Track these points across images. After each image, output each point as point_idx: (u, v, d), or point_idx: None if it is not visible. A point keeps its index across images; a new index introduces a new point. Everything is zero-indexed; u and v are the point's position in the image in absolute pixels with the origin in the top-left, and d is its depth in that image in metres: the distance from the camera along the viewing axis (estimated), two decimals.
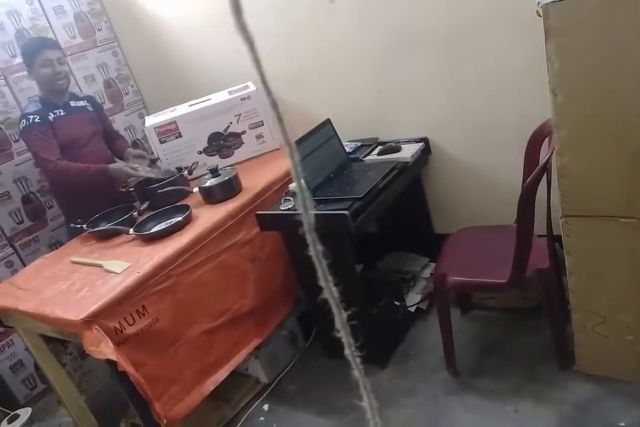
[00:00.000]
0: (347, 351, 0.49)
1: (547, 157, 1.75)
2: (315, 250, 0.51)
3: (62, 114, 2.58)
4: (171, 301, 2.06)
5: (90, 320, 1.79)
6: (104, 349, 1.79)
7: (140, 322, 1.94)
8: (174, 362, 2.07)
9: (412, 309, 2.60)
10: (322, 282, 0.51)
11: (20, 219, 2.82)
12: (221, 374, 2.25)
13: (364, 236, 2.90)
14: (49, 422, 2.55)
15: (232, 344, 2.30)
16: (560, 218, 1.80)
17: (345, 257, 2.24)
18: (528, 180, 1.73)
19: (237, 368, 2.47)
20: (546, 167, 1.78)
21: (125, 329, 1.89)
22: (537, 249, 2.01)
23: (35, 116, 2.48)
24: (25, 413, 2.36)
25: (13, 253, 2.77)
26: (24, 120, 2.49)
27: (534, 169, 1.78)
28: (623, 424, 1.83)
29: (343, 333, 0.51)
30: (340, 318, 0.51)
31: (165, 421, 1.97)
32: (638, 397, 1.88)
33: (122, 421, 2.48)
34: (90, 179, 2.46)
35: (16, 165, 2.81)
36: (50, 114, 2.54)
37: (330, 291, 0.50)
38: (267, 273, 2.43)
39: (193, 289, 2.13)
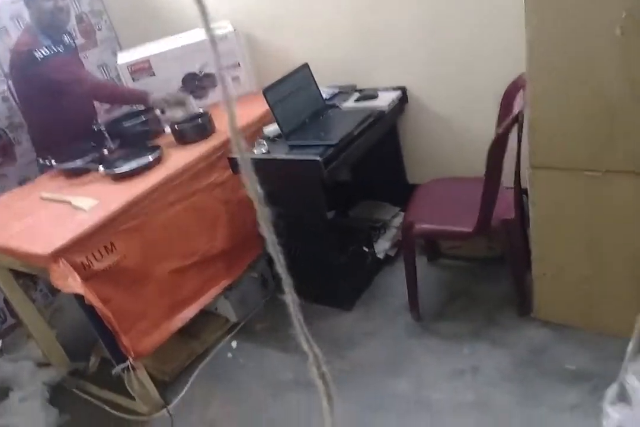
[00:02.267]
0: (287, 294, 0.51)
1: (518, 110, 1.75)
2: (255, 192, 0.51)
3: (50, 52, 2.46)
4: (140, 239, 2.07)
5: (58, 255, 1.80)
6: (72, 283, 1.81)
7: (109, 258, 1.96)
8: (142, 299, 2.11)
9: (381, 256, 2.65)
10: (264, 233, 0.51)
11: None
12: (190, 312, 2.30)
13: (338, 184, 2.92)
14: (18, 355, 2.59)
15: (201, 284, 2.34)
16: (527, 169, 1.82)
17: (316, 203, 2.26)
18: (498, 132, 1.74)
19: (207, 307, 2.53)
20: (517, 119, 1.79)
21: (93, 265, 1.91)
22: (504, 201, 2.04)
23: (56, 49, 2.39)
24: None
25: None
26: (41, 51, 2.36)
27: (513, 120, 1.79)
28: (571, 367, 1.93)
29: (283, 275, 0.52)
30: (278, 262, 0.53)
31: (133, 354, 2.02)
32: (588, 343, 1.97)
33: (92, 355, 2.53)
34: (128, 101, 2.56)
35: None
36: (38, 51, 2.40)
37: (271, 240, 0.51)
38: (239, 216, 2.44)
39: (163, 228, 2.14)
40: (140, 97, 2.43)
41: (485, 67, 2.30)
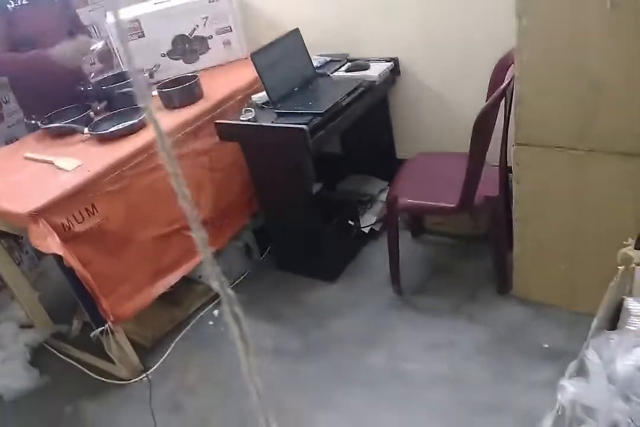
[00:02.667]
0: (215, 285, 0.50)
1: (506, 83, 1.73)
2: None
3: (24, 2, 2.38)
4: (123, 202, 2.05)
5: (37, 214, 1.79)
6: (50, 243, 1.81)
7: (90, 220, 1.94)
8: (123, 263, 2.10)
9: (366, 230, 2.64)
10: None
11: None
12: (172, 278, 2.30)
13: (327, 156, 2.90)
14: (1, 316, 2.60)
15: (184, 251, 2.32)
16: (512, 146, 1.80)
17: (302, 173, 2.24)
18: (485, 105, 1.72)
19: (191, 275, 2.53)
20: (505, 94, 1.76)
21: (73, 226, 1.90)
22: (489, 178, 2.03)
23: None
24: None
25: None
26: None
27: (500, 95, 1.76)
28: (547, 345, 1.95)
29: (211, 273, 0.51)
30: (205, 255, 0.51)
31: (112, 318, 2.02)
32: (564, 322, 1.98)
33: (74, 318, 2.54)
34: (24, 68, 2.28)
35: None
36: (10, 1, 2.35)
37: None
38: (225, 184, 2.42)
39: (146, 193, 2.12)
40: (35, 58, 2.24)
41: (479, 41, 2.25)
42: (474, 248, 2.46)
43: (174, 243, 2.27)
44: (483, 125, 1.73)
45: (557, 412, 0.82)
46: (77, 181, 1.90)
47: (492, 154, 1.99)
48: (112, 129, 2.17)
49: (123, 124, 2.19)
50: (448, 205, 1.99)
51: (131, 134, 2.15)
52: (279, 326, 2.34)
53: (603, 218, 1.75)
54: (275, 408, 1.71)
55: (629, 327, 1.00)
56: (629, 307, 1.04)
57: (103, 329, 2.05)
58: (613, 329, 1.03)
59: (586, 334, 1.83)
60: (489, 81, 2.06)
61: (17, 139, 2.74)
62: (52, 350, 2.48)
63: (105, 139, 2.14)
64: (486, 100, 2.05)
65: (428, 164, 2.32)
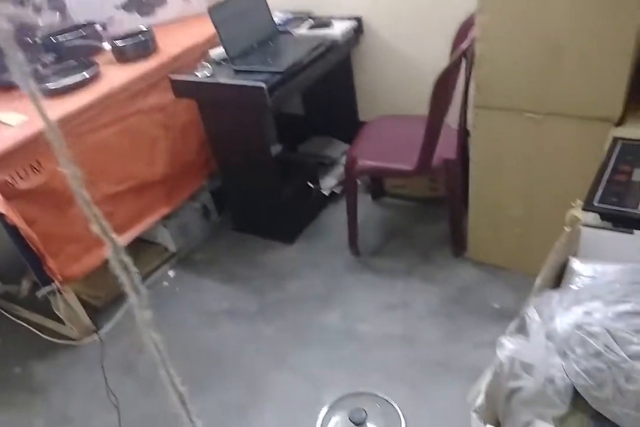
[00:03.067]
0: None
1: (466, 45, 1.69)
2: None
3: None
4: (72, 159, 1.97)
5: None
6: None
7: (35, 178, 1.86)
8: (71, 222, 2.03)
9: (327, 193, 2.62)
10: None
11: None
12: (125, 238, 2.24)
13: (288, 117, 2.84)
14: None
15: (137, 210, 2.28)
16: (471, 109, 1.78)
17: (260, 133, 2.18)
18: (445, 66, 1.68)
19: (146, 237, 2.49)
20: (465, 55, 1.73)
21: (17, 184, 1.82)
22: (448, 141, 2.01)
23: None
24: None
25: None
26: None
27: (460, 56, 1.73)
28: (497, 306, 1.98)
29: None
30: (113, 246, 0.48)
31: (60, 277, 1.97)
32: (515, 284, 2.02)
33: (23, 278, 2.47)
34: None
35: None
36: None
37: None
38: (181, 143, 2.35)
39: (96, 150, 2.05)
40: None
41: (444, 2, 2.20)
42: (432, 211, 2.48)
43: (126, 202, 2.22)
44: (442, 87, 1.70)
45: (496, 369, 0.82)
46: (21, 137, 1.80)
47: (453, 117, 1.97)
48: (61, 83, 2.07)
49: (72, 77, 2.09)
50: (406, 167, 1.97)
51: (80, 88, 2.05)
52: (236, 287, 2.32)
53: (557, 182, 1.76)
54: (231, 368, 1.71)
55: (571, 286, 1.01)
56: (573, 267, 1.04)
57: (51, 289, 2.00)
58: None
59: None
60: (453, 39, 2.02)
61: None
62: (0, 310, 2.42)
63: (53, 94, 2.04)
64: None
65: (388, 127, 2.29)
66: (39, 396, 2.01)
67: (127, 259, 0.44)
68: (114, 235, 0.44)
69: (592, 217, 1.12)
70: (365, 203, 2.58)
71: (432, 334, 1.94)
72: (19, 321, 2.34)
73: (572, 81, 1.57)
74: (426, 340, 1.92)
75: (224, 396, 1.88)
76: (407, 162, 1.96)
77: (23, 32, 2.34)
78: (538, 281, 0.97)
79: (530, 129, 1.71)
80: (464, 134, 2.03)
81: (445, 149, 1.98)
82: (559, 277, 1.06)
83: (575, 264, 1.05)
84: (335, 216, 2.58)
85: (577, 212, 1.13)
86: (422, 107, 2.25)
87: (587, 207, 1.12)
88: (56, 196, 1.95)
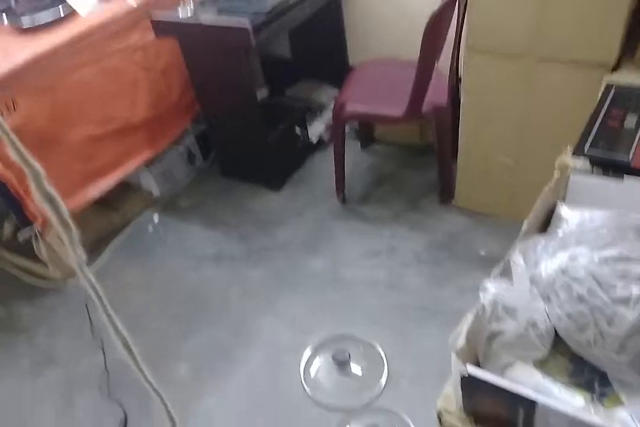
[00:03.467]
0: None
1: None
2: None
3: None
4: (49, 99, 1.90)
5: None
6: None
7: (11, 117, 1.80)
8: (52, 164, 1.97)
9: (314, 139, 2.58)
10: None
11: None
12: (108, 182, 2.21)
13: (276, 60, 2.76)
14: None
15: (120, 154, 2.23)
16: (464, 54, 1.73)
17: (244, 76, 2.11)
18: (436, 8, 1.61)
19: (130, 180, 2.45)
20: None
21: None
22: (439, 87, 1.96)
23: None
24: None
25: None
26: None
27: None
28: (483, 252, 1.99)
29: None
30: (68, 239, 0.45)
31: (40, 220, 1.95)
32: (502, 231, 2.02)
33: (5, 221, 2.44)
34: None
35: None
36: None
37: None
38: (163, 85, 2.27)
39: (76, 90, 1.97)
40: None
41: None
42: (421, 159, 2.45)
43: (108, 145, 2.16)
44: (433, 30, 1.64)
45: (478, 312, 0.82)
46: None
47: (446, 62, 1.91)
48: (36, 19, 1.97)
49: (47, 13, 1.98)
50: (395, 114, 1.93)
51: (57, 25, 1.95)
52: (222, 232, 2.31)
53: (549, 129, 1.73)
54: (218, 311, 1.71)
55: (558, 232, 1.00)
56: (561, 212, 1.03)
57: (32, 232, 1.97)
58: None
59: None
60: None
61: None
62: None
63: (28, 31, 1.94)
64: None
65: (379, 71, 2.23)
66: (23, 337, 2.02)
67: (51, 189, 0.42)
68: (34, 162, 0.42)
69: (582, 164, 1.10)
70: (353, 150, 2.54)
71: (417, 279, 1.96)
72: (2, 264, 2.32)
73: (567, 23, 1.51)
74: (411, 285, 1.94)
75: (210, 339, 1.90)
76: (396, 108, 1.92)
77: None
78: (524, 226, 0.96)
79: (523, 75, 1.67)
80: (455, 80, 1.98)
81: (436, 95, 1.94)
82: (546, 223, 1.05)
83: (563, 209, 1.04)
84: (323, 163, 2.55)
85: (567, 159, 1.12)
86: (414, 50, 2.19)
87: (578, 152, 1.10)
88: (34, 136, 1.90)
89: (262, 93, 2.55)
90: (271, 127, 2.33)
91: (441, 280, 1.94)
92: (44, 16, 1.98)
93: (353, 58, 2.64)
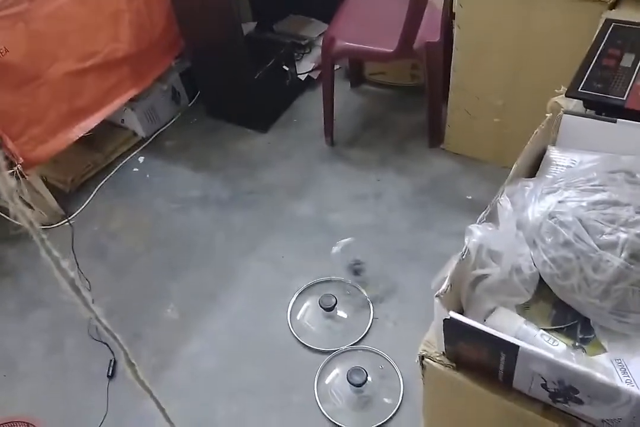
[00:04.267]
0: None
1: None
2: None
3: None
4: (24, 31, 1.79)
5: None
6: None
7: None
8: (33, 102, 1.91)
9: (302, 77, 2.49)
10: None
11: None
12: (91, 121, 2.13)
13: None
14: None
15: (103, 91, 2.14)
16: None
17: (229, 9, 2.01)
18: None
19: (113, 119, 2.38)
20: None
21: None
22: (433, 23, 1.88)
23: None
24: None
25: None
26: None
27: None
28: (470, 197, 1.98)
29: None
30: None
31: (21, 160, 1.89)
32: (491, 176, 2.00)
33: None
34: None
35: None
36: None
37: None
38: (146, 18, 2.15)
39: (52, 21, 1.86)
40: None
41: None
42: (411, 100, 2.38)
43: (90, 81, 2.07)
44: None
45: (462, 256, 0.81)
46: None
47: None
48: None
49: None
50: (386, 49, 1.85)
51: None
52: (208, 175, 2.27)
53: (543, 69, 1.67)
54: (203, 254, 1.68)
55: (547, 176, 0.97)
56: (550, 156, 1.00)
57: (12, 172, 1.92)
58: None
59: None
60: None
61: None
62: None
63: None
64: None
65: (370, 4, 2.13)
66: (9, 279, 2.02)
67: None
68: None
69: (574, 105, 1.06)
70: (342, 90, 2.46)
71: (402, 223, 1.95)
72: None
73: None
74: (396, 229, 1.94)
75: (195, 282, 1.90)
76: (387, 45, 1.84)
77: None
78: (513, 169, 0.94)
79: (519, 9, 1.59)
80: (449, 16, 1.89)
81: (429, 31, 1.86)
82: (536, 167, 1.03)
83: (553, 153, 1.01)
84: (311, 103, 2.48)
85: (560, 99, 1.07)
86: None
87: (571, 93, 1.06)
88: (11, 72, 1.81)
89: (248, 27, 2.44)
90: (258, 64, 2.24)
91: (426, 224, 1.93)
92: None
93: None
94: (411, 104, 2.36)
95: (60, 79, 1.96)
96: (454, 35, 1.79)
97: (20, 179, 1.95)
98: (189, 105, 2.58)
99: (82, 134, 2.12)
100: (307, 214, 2.05)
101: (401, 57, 1.92)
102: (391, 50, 1.83)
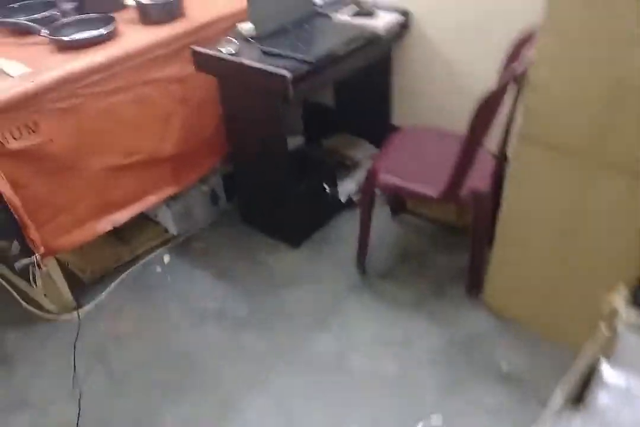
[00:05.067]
0: None
1: (521, 68, 1.45)
2: None
3: None
4: (73, 124, 1.79)
5: None
6: None
7: (29, 139, 1.69)
8: (66, 191, 1.88)
9: (343, 199, 2.39)
10: None
11: None
12: (122, 215, 2.08)
13: (318, 108, 2.62)
14: None
15: (141, 187, 2.11)
16: (514, 138, 1.54)
17: (278, 123, 1.97)
18: (492, 87, 1.43)
19: (147, 213, 2.33)
20: (517, 78, 1.48)
21: (8, 143, 1.64)
22: (482, 168, 1.76)
23: None
24: None
25: None
26: None
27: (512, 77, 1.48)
28: (505, 367, 1.74)
29: None
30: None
31: (42, 250, 1.82)
32: (530, 345, 1.78)
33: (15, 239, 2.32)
34: None
35: None
36: None
37: None
38: (196, 121, 2.15)
39: (103, 117, 1.86)
40: None
41: (504, 13, 1.92)
42: (453, 239, 2.23)
43: (129, 177, 2.04)
44: (486, 110, 1.45)
45: None
46: (20, 90, 1.62)
47: (493, 142, 1.73)
48: (75, 36, 1.88)
49: (89, 32, 1.90)
50: (429, 193, 1.73)
51: (95, 45, 1.85)
52: (229, 285, 2.15)
53: (598, 244, 1.50)
54: (208, 378, 1.46)
55: (598, 402, 0.78)
56: (603, 374, 0.82)
57: (30, 262, 1.84)
58: (580, 399, 0.81)
59: (552, 365, 1.65)
60: (506, 56, 1.75)
61: None
62: None
63: (65, 47, 1.85)
64: (498, 78, 1.77)
65: (420, 141, 2.04)
66: (3, 368, 1.90)
67: None
68: None
69: (635, 317, 0.88)
70: (382, 216, 2.35)
71: (428, 381, 1.73)
72: (2, 281, 2.18)
73: (631, 133, 1.31)
74: (421, 386, 1.71)
75: (191, 413, 1.72)
76: (432, 187, 1.73)
77: None
78: (558, 392, 0.75)
79: (579, 177, 1.45)
80: (501, 162, 1.78)
81: (478, 178, 1.73)
82: (586, 383, 0.84)
83: (606, 370, 0.83)
84: (349, 225, 2.35)
85: (618, 302, 0.90)
86: (461, 123, 2.01)
87: (635, 301, 0.88)
88: (52, 161, 1.79)
89: (297, 140, 2.40)
90: (299, 178, 2.16)
91: (454, 387, 1.70)
92: (86, 33, 1.90)
93: (397, 118, 2.48)
94: (453, 244, 2.21)
95: (98, 172, 1.94)
96: (504, 185, 1.66)
97: (36, 267, 1.86)
98: (227, 207, 2.52)
99: (111, 228, 2.06)
100: (326, 350, 1.86)
101: (446, 202, 1.80)
102: (436, 194, 1.71)
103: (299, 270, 2.19)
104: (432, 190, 1.72)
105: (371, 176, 1.84)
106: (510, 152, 1.63)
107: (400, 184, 1.80)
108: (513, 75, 1.45)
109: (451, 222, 2.25)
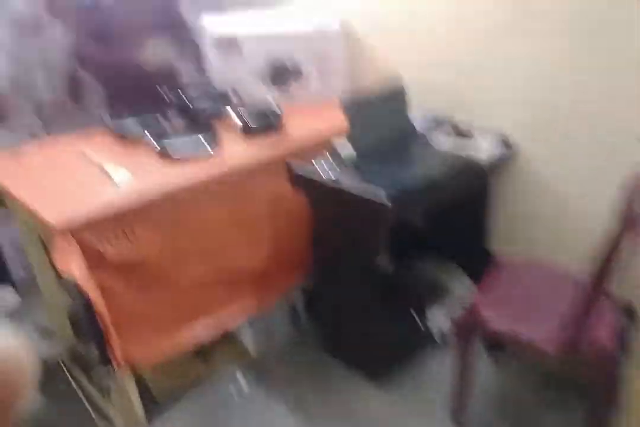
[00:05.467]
0: None
1: None
2: None
3: None
4: (169, 236, 1.80)
5: (66, 228, 1.56)
6: (72, 265, 1.56)
7: (125, 247, 1.70)
8: (152, 304, 1.85)
9: (437, 336, 2.19)
10: None
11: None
12: (205, 333, 2.02)
13: (405, 227, 2.46)
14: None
15: (226, 305, 2.05)
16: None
17: (369, 249, 1.89)
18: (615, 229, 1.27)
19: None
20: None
21: (105, 251, 1.66)
22: (603, 317, 1.55)
23: None
24: None
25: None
26: None
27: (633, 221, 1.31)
28: None
29: None
30: None
31: (121, 362, 1.76)
32: None
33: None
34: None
35: None
36: None
37: None
38: (285, 236, 2.12)
39: (198, 229, 1.87)
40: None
41: (620, 137, 1.80)
42: (563, 391, 1.95)
43: (214, 294, 2.00)
44: (612, 253, 1.28)
45: None
46: (123, 201, 1.67)
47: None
48: (182, 151, 1.95)
49: (194, 146, 1.96)
50: (544, 347, 1.52)
51: (203, 160, 1.92)
52: (302, 421, 1.96)
53: None
54: None
55: None
56: None
57: (106, 372, 1.80)
58: None
59: None
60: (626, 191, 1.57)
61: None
62: (64, 368, 2.22)
63: (172, 160, 1.93)
64: (617, 221, 1.57)
65: (529, 278, 1.85)
66: None
67: None
68: None
69: None
70: (478, 357, 2.10)
71: None
72: (73, 383, 2.14)
73: None
74: None
75: None
76: (546, 339, 1.51)
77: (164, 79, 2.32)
78: None
79: None
80: (625, 312, 1.55)
81: (599, 328, 1.51)
82: None
83: None
84: (438, 363, 2.13)
85: None
86: (569, 254, 1.88)
87: None
88: (145, 271, 1.79)
89: (380, 260, 2.27)
90: (384, 303, 2.00)
91: None
92: (193, 149, 1.96)
93: (494, 246, 2.31)
94: (563, 398, 1.91)
95: (185, 286, 1.91)
96: (629, 340, 1.42)
97: (111, 381, 1.82)
98: (307, 328, 2.37)
99: (189, 347, 2.00)
100: None
101: (561, 357, 1.57)
102: (551, 349, 1.50)
103: (379, 413, 1.96)
104: (546, 343, 1.51)
105: (471, 315, 1.66)
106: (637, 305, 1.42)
107: (509, 332, 1.59)
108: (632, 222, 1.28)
109: (561, 371, 1.98)
